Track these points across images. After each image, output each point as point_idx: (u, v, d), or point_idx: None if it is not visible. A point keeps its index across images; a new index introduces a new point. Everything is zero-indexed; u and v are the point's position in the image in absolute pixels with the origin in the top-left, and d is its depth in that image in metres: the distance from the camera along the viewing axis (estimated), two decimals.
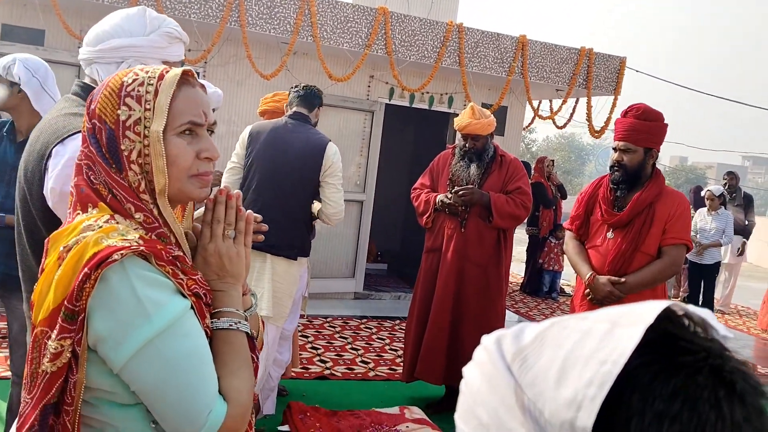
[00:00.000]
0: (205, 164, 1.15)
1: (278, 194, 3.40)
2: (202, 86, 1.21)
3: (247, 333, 1.16)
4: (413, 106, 6.96)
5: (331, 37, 5.88)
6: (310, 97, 3.60)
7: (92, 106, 1.13)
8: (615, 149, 3.15)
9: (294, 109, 3.58)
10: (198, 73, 6.03)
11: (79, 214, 1.10)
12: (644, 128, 3.08)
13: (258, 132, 3.52)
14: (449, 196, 4.05)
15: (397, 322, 6.09)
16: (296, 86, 3.67)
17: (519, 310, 7.41)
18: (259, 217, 1.67)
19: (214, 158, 1.16)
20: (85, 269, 0.99)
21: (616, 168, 3.13)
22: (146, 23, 1.71)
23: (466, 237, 4.07)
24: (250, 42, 5.75)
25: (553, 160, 8.63)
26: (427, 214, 4.22)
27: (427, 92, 6.92)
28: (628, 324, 0.52)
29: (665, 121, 3.15)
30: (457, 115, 7.27)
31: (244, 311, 1.21)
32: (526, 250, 8.59)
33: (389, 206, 9.53)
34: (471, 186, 4.03)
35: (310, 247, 3.60)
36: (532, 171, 8.36)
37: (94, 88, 1.67)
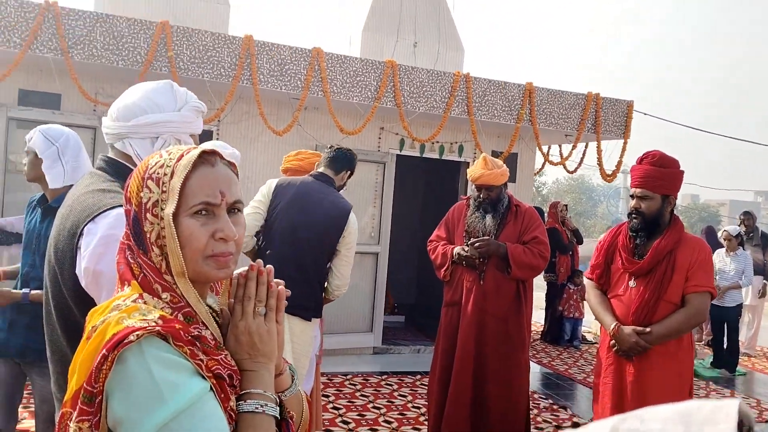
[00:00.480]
0: (221, 245, 1.12)
1: (296, 252, 3.38)
2: (231, 164, 1.19)
3: (276, 417, 1.11)
4: (424, 156, 6.98)
5: (341, 91, 5.95)
6: (337, 160, 3.58)
7: (127, 188, 1.15)
8: (632, 196, 3.12)
9: (320, 169, 3.59)
10: (212, 132, 6.11)
11: (118, 291, 1.12)
12: (660, 175, 3.06)
13: (285, 187, 3.50)
14: (466, 248, 4.01)
15: (419, 377, 5.96)
16: (330, 146, 3.68)
17: (541, 360, 7.26)
18: (283, 286, 1.63)
19: (230, 239, 1.13)
20: (104, 350, 0.98)
21: (634, 215, 3.09)
22: (176, 98, 1.71)
23: (485, 289, 4.01)
24: (261, 99, 5.82)
25: (566, 205, 8.58)
26: (445, 267, 4.18)
27: (437, 142, 6.95)
28: (703, 423, 0.49)
29: (681, 168, 3.13)
30: (468, 163, 7.31)
31: (281, 392, 1.16)
32: (545, 297, 8.46)
33: (404, 257, 9.48)
34: (487, 237, 4.00)
35: (322, 308, 3.55)
36: (546, 216, 8.31)
37: (121, 162, 1.66)
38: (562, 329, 8.17)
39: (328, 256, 3.46)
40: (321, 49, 5.82)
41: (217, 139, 6.08)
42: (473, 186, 4.16)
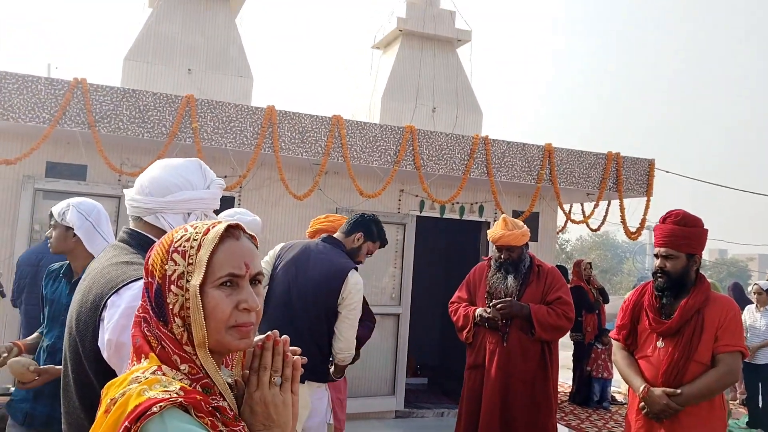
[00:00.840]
0: (244, 315, 1.15)
1: (289, 312, 3.35)
2: (252, 237, 1.24)
3: None
4: (444, 216, 7.01)
5: (361, 156, 6.06)
6: (351, 223, 3.58)
7: (148, 261, 1.19)
8: (657, 256, 3.10)
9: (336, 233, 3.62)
10: (233, 198, 6.23)
11: (134, 364, 1.14)
12: (685, 234, 3.05)
13: (288, 248, 3.55)
14: (488, 310, 3.98)
15: None
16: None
17: (570, 422, 7.05)
18: (300, 354, 1.64)
19: (253, 309, 1.17)
20: (126, 423, 1.00)
21: (659, 275, 3.07)
22: (205, 176, 1.80)
23: (509, 351, 3.95)
24: (283, 165, 5.94)
25: (590, 263, 8.49)
26: (467, 329, 4.14)
27: (458, 203, 6.99)
28: None
29: (704, 226, 3.11)
30: (489, 223, 7.33)
31: None
32: (573, 357, 8.28)
33: (426, 318, 9.40)
34: (510, 298, 3.97)
35: (327, 373, 3.47)
36: (570, 275, 8.22)
37: (143, 234, 1.71)
38: (591, 390, 7.95)
39: (327, 317, 3.36)
40: (341, 116, 5.97)
41: (239, 204, 6.19)
42: (494, 247, 4.16)
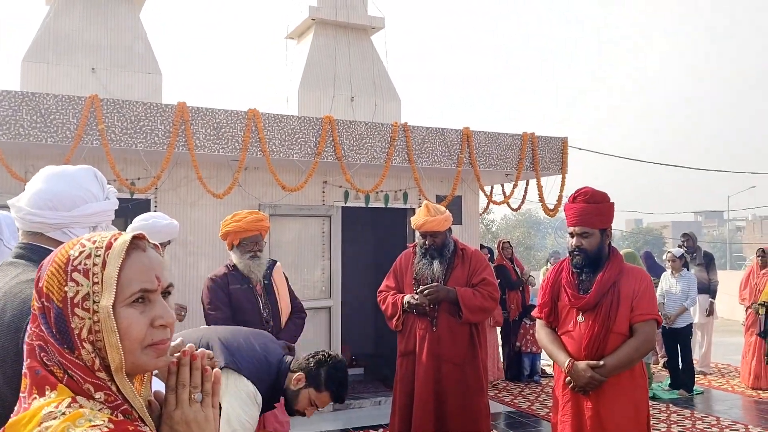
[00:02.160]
0: (160, 332, 1.08)
1: None
2: (156, 246, 1.16)
3: None
4: (369, 206, 7.00)
5: (280, 149, 5.95)
6: (301, 361, 2.80)
7: (40, 284, 1.07)
8: (572, 235, 3.18)
9: None
10: (149, 201, 6.00)
11: (35, 398, 1.02)
12: (596, 211, 3.14)
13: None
14: (416, 296, 4.00)
15: (381, 430, 5.84)
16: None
17: (503, 399, 7.22)
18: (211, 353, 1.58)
19: (170, 325, 1.09)
20: None
21: (576, 253, 3.15)
22: (101, 186, 1.72)
23: (439, 336, 3.99)
24: (199, 163, 5.77)
25: (509, 242, 8.67)
26: (396, 317, 4.15)
27: (382, 191, 7.00)
28: None
29: (611, 200, 3.23)
30: (414, 210, 7.38)
31: None
32: (501, 335, 8.48)
33: (359, 307, 9.39)
34: (436, 284, 4.00)
35: None
36: (495, 254, 8.41)
37: (46, 249, 1.59)
38: (521, 365, 8.17)
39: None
40: (257, 110, 5.84)
41: (155, 207, 5.98)
42: (418, 233, 4.19)
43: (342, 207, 6.88)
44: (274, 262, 4.06)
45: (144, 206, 5.90)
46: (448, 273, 4.09)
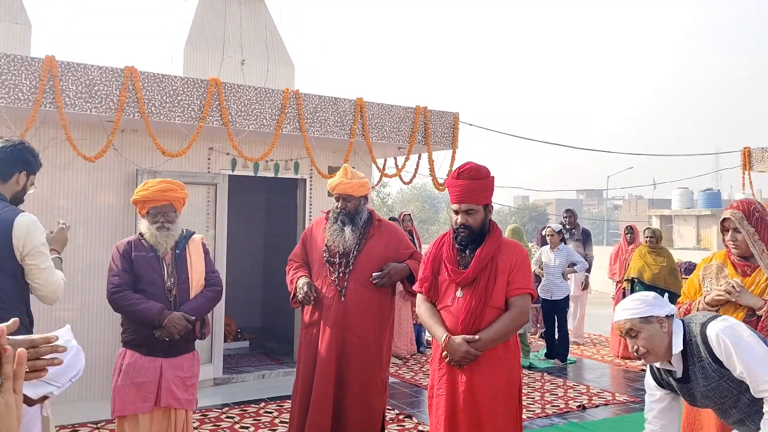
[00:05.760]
0: None
1: None
2: None
3: None
4: (258, 175, 6.78)
5: (161, 111, 5.60)
6: (5, 165, 2.97)
7: None
8: (456, 212, 3.17)
9: None
10: None
11: None
12: (479, 187, 3.15)
13: None
14: (305, 288, 3.92)
15: (263, 404, 5.73)
16: None
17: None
18: (54, 337, 1.42)
19: None
20: None
21: (461, 230, 3.14)
22: None
23: (346, 306, 3.91)
24: (70, 123, 5.33)
25: (409, 215, 8.77)
26: (292, 298, 4.07)
27: (272, 160, 6.79)
28: None
29: (492, 175, 3.25)
30: (305, 180, 7.24)
31: None
32: None
33: (247, 280, 9.18)
34: (385, 271, 3.93)
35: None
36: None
37: None
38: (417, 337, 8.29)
39: (11, 278, 2.90)
40: (135, 68, 5.45)
41: None
42: (334, 197, 4.09)
43: (229, 175, 6.61)
44: (192, 233, 3.85)
45: None
46: (362, 242, 4.00)
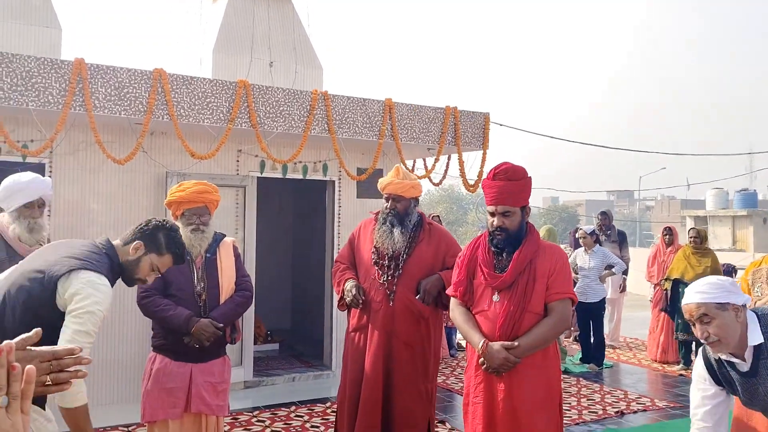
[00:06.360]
0: None
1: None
2: None
3: None
4: (287, 176, 6.73)
5: (190, 114, 5.57)
6: (135, 231, 2.78)
7: None
8: (492, 214, 3.05)
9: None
10: (44, 165, 5.51)
11: None
12: (516, 188, 3.03)
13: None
14: (353, 290, 3.83)
15: (293, 408, 5.66)
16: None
17: None
18: (78, 349, 1.35)
19: None
20: None
21: (498, 233, 3.02)
22: None
23: (394, 312, 3.81)
24: (99, 126, 5.33)
25: (438, 216, 8.66)
26: (339, 302, 4.00)
27: (300, 162, 6.73)
28: None
29: (529, 175, 3.13)
30: (334, 182, 7.17)
31: None
32: None
33: (276, 281, 9.15)
34: (426, 290, 3.82)
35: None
36: None
37: None
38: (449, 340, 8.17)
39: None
40: (163, 70, 5.42)
41: (50, 172, 5.52)
42: (384, 197, 4.00)
43: (258, 177, 6.57)
44: (223, 236, 3.78)
45: (37, 171, 5.37)
46: (412, 246, 3.89)
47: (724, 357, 2.45)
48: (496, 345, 2.92)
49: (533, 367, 2.95)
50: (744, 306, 2.42)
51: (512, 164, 3.10)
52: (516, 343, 2.91)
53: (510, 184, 3.03)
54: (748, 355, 2.38)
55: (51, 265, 2.46)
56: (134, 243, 2.71)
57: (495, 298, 3.02)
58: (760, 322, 2.39)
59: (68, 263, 2.46)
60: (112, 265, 2.64)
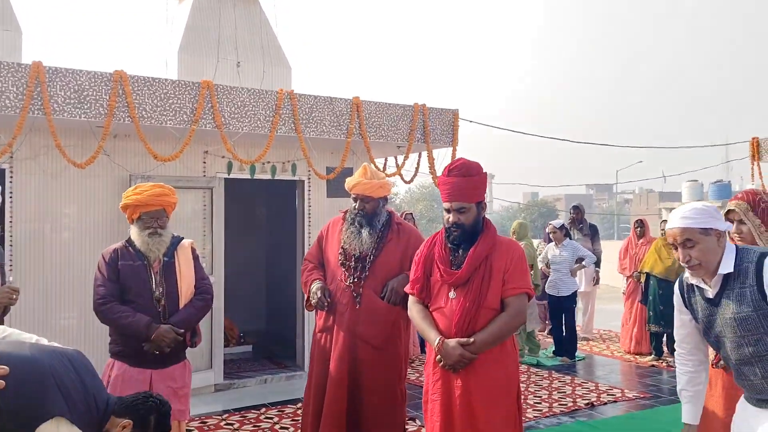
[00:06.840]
0: None
1: None
2: None
3: None
4: (255, 177, 6.68)
5: (152, 115, 5.50)
6: (127, 404, 2.55)
7: None
8: (448, 210, 3.05)
9: None
10: (4, 171, 5.42)
11: None
12: (471, 184, 3.03)
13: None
14: (319, 293, 3.79)
15: (263, 410, 5.62)
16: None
17: None
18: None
19: None
20: None
21: (454, 229, 3.02)
22: None
23: (360, 314, 3.78)
24: (60, 130, 5.25)
25: (411, 214, 8.65)
26: (306, 302, 3.97)
27: (268, 162, 6.69)
28: None
29: (484, 171, 3.13)
30: (303, 182, 7.14)
31: None
32: None
33: (249, 282, 9.09)
34: (387, 292, 3.78)
35: None
36: None
37: None
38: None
39: None
40: (124, 71, 5.36)
41: (11, 178, 5.43)
42: (352, 197, 3.95)
43: (225, 178, 6.52)
44: (180, 238, 3.71)
45: None
46: (380, 246, 3.85)
47: (694, 281, 2.47)
48: (452, 342, 2.92)
49: (490, 362, 2.95)
50: (726, 232, 2.44)
51: (467, 160, 3.10)
52: (471, 340, 2.91)
53: (464, 180, 3.03)
54: (716, 282, 2.40)
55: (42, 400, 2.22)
56: (123, 421, 2.48)
57: (451, 294, 3.02)
58: (737, 254, 2.40)
59: (59, 408, 2.24)
60: (93, 426, 2.43)
